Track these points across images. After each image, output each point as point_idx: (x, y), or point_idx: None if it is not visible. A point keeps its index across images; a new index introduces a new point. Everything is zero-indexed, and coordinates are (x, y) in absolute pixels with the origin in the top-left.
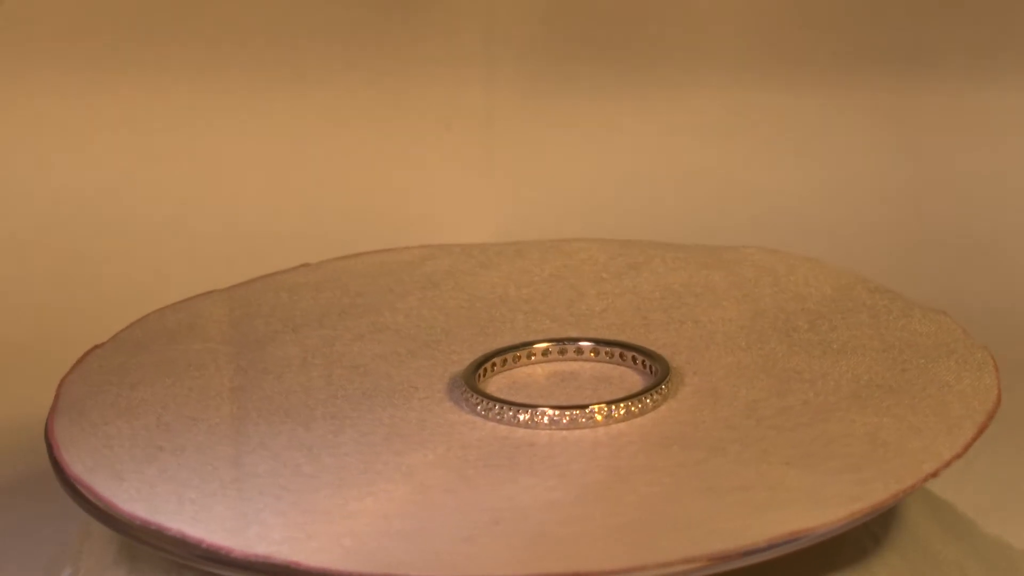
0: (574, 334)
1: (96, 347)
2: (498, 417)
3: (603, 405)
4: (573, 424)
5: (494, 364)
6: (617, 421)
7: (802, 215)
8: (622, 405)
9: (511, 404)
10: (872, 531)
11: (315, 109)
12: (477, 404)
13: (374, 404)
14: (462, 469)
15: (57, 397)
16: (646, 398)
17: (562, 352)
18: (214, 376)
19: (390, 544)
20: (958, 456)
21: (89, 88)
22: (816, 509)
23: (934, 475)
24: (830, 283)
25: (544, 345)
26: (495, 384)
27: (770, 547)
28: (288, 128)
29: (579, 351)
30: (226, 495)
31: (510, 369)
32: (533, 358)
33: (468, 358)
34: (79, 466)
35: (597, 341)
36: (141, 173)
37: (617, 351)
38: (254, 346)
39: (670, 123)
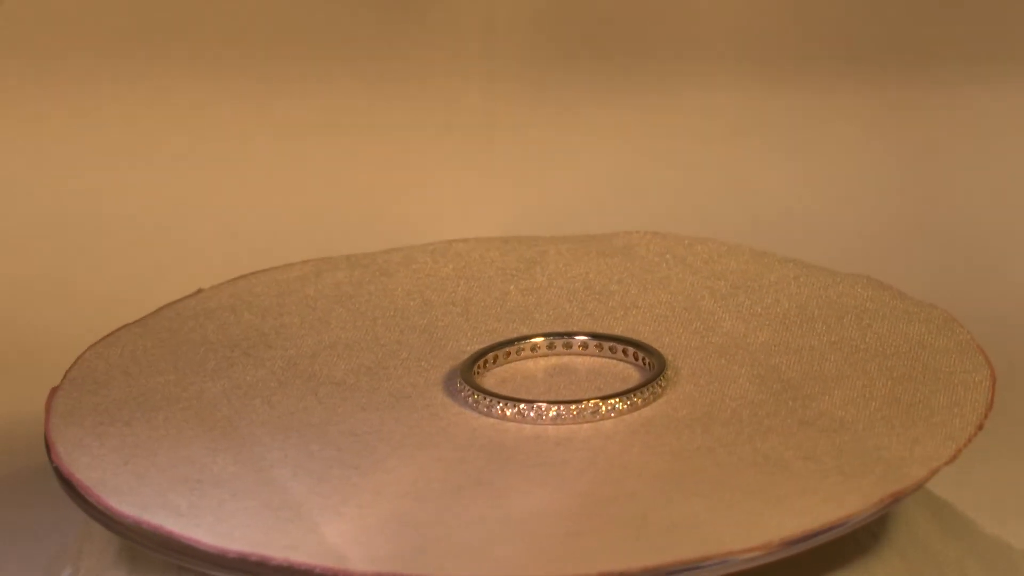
0: (525, 331)
1: (89, 349)
2: (497, 413)
3: (603, 400)
4: (576, 419)
5: (486, 360)
6: (619, 415)
7: (802, 215)
8: (623, 399)
9: (510, 400)
10: (872, 531)
11: (315, 110)
12: (474, 399)
13: (369, 413)
14: (463, 468)
15: (51, 399)
16: (646, 391)
17: (550, 347)
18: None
19: (395, 545)
20: (952, 459)
21: (89, 88)
22: (808, 512)
23: (926, 480)
24: (736, 259)
25: (540, 340)
26: (491, 379)
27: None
28: (288, 128)
29: (568, 345)
30: (224, 497)
31: (506, 364)
32: (528, 352)
33: (437, 364)
34: (75, 466)
35: (593, 335)
36: (141, 173)
37: (608, 345)
38: (217, 373)
39: (670, 123)
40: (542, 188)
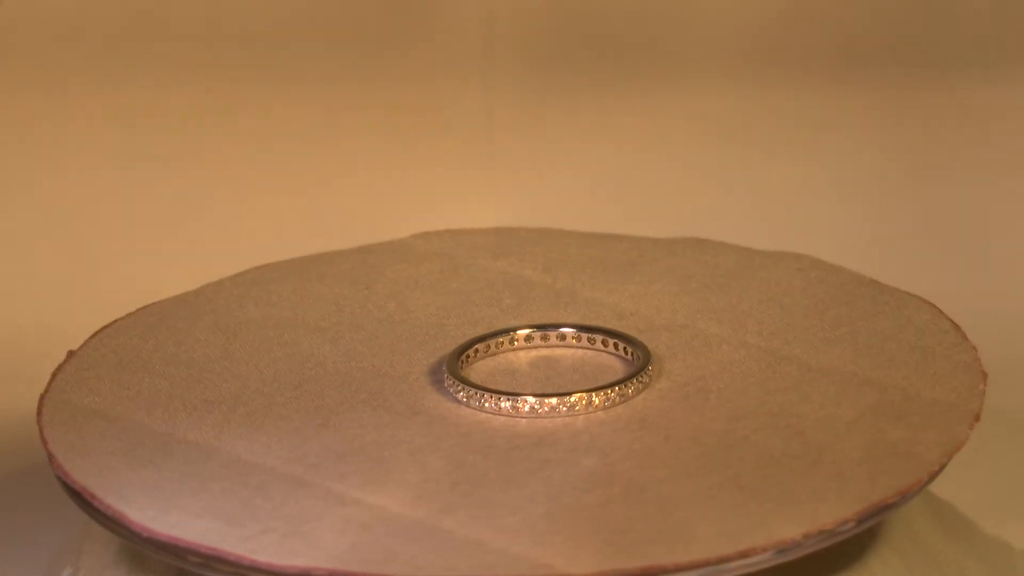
0: (501, 325)
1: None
2: (484, 406)
3: (590, 393)
4: (561, 413)
5: (476, 351)
6: (605, 408)
7: (802, 215)
8: (609, 392)
9: (497, 393)
10: (872, 531)
11: (315, 109)
12: (460, 392)
13: (361, 413)
14: (457, 465)
15: (43, 401)
16: (631, 385)
17: (544, 338)
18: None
19: (392, 545)
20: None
21: (89, 88)
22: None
23: (932, 477)
24: (721, 252)
25: (527, 331)
26: (477, 372)
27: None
28: (288, 128)
29: (561, 337)
30: (221, 499)
31: (492, 355)
32: (516, 344)
33: (421, 357)
34: (70, 465)
35: (579, 327)
36: (141, 173)
37: (599, 337)
38: (212, 373)
39: (670, 123)
40: (542, 188)
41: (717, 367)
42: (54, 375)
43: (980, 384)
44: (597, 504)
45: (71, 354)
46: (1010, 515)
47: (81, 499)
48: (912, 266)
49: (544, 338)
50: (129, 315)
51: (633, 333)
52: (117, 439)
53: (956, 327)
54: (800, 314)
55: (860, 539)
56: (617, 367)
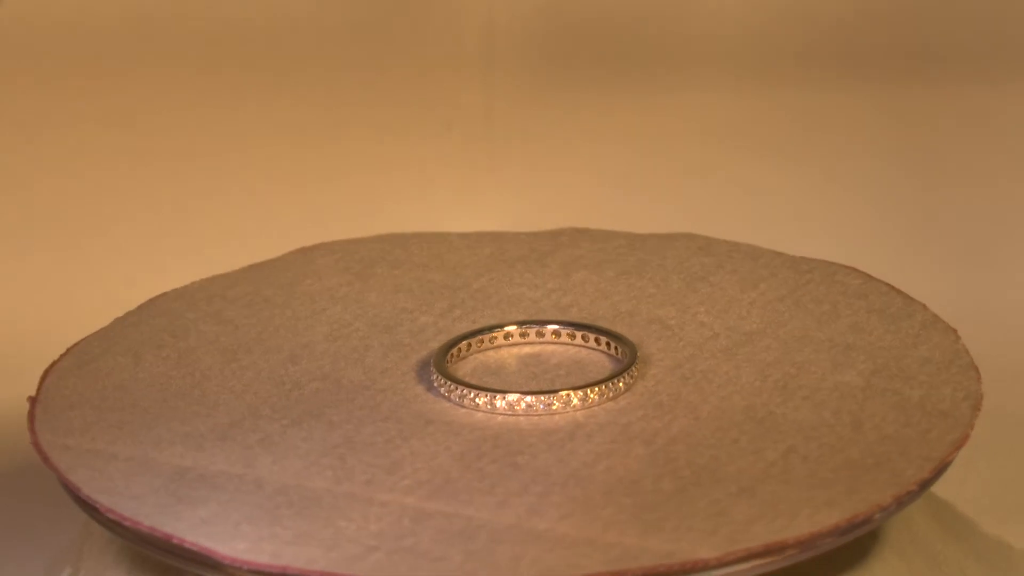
0: (447, 328)
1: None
2: (471, 403)
3: (578, 391)
4: (547, 411)
5: (461, 348)
6: (592, 406)
7: (802, 215)
8: (596, 389)
9: (484, 390)
10: (873, 531)
11: (315, 109)
12: (448, 390)
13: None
14: (437, 460)
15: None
16: (619, 381)
17: (523, 335)
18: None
19: (389, 546)
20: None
21: (89, 88)
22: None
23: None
24: (713, 251)
25: (513, 328)
26: (464, 368)
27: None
28: (288, 128)
29: (540, 333)
30: (218, 499)
31: (479, 352)
32: (501, 340)
33: (407, 353)
34: (62, 464)
35: (565, 324)
36: (141, 173)
37: (580, 333)
38: (207, 375)
39: (670, 123)
40: (542, 188)
41: (694, 349)
42: (31, 420)
43: (956, 339)
44: (577, 507)
45: (33, 400)
46: (1010, 515)
47: (78, 496)
48: (912, 266)
49: (531, 334)
50: (75, 346)
51: (580, 322)
52: (149, 483)
53: (891, 287)
54: (736, 288)
55: (860, 539)
56: (604, 363)
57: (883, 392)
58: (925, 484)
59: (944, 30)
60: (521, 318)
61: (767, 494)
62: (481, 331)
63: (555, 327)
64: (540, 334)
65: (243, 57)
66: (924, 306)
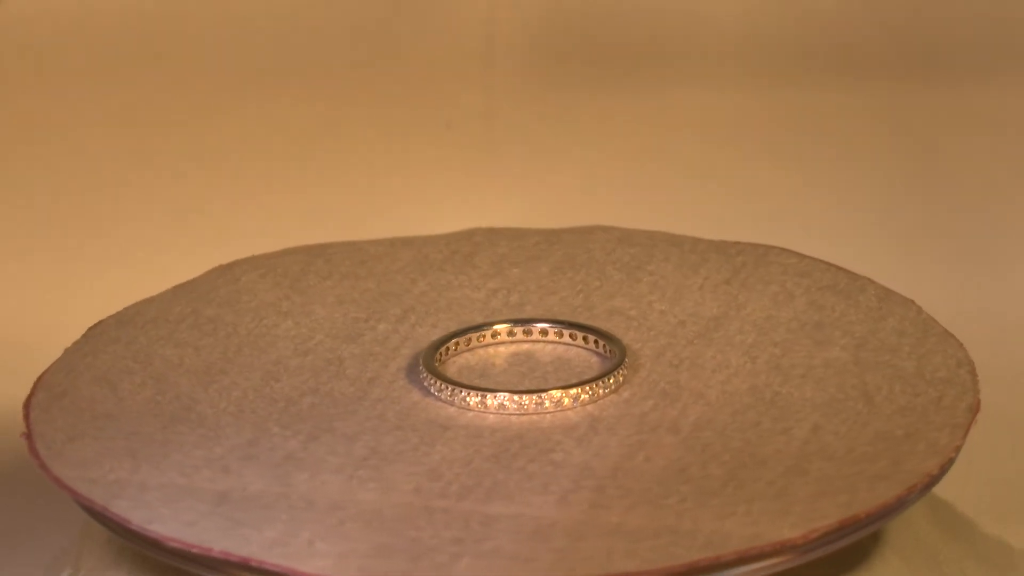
0: (486, 319)
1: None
2: (461, 402)
3: (567, 390)
4: (537, 409)
5: (449, 347)
6: (581, 405)
7: (802, 215)
8: (586, 388)
9: (474, 388)
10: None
11: (315, 109)
12: (438, 388)
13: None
14: (428, 460)
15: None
16: (608, 381)
17: (510, 334)
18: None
19: (473, 551)
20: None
21: (88, 88)
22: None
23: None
24: (705, 247)
25: (505, 326)
26: (454, 366)
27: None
28: (288, 128)
29: (528, 332)
30: (279, 520)
31: (469, 350)
32: (494, 339)
33: (398, 352)
34: (97, 497)
35: (554, 322)
36: (141, 173)
37: (568, 332)
38: (201, 376)
39: (670, 123)
40: (541, 188)
41: (667, 338)
42: (36, 456)
43: (919, 310)
44: (568, 507)
45: (28, 436)
46: (1010, 515)
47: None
48: (912, 266)
49: (511, 334)
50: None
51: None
52: (194, 508)
53: (829, 264)
54: (677, 275)
55: (861, 539)
56: (593, 362)
57: (876, 365)
58: (957, 450)
59: (944, 30)
60: (476, 320)
61: (817, 472)
62: (474, 328)
63: (543, 325)
64: (528, 332)
65: (243, 57)
66: (870, 279)
